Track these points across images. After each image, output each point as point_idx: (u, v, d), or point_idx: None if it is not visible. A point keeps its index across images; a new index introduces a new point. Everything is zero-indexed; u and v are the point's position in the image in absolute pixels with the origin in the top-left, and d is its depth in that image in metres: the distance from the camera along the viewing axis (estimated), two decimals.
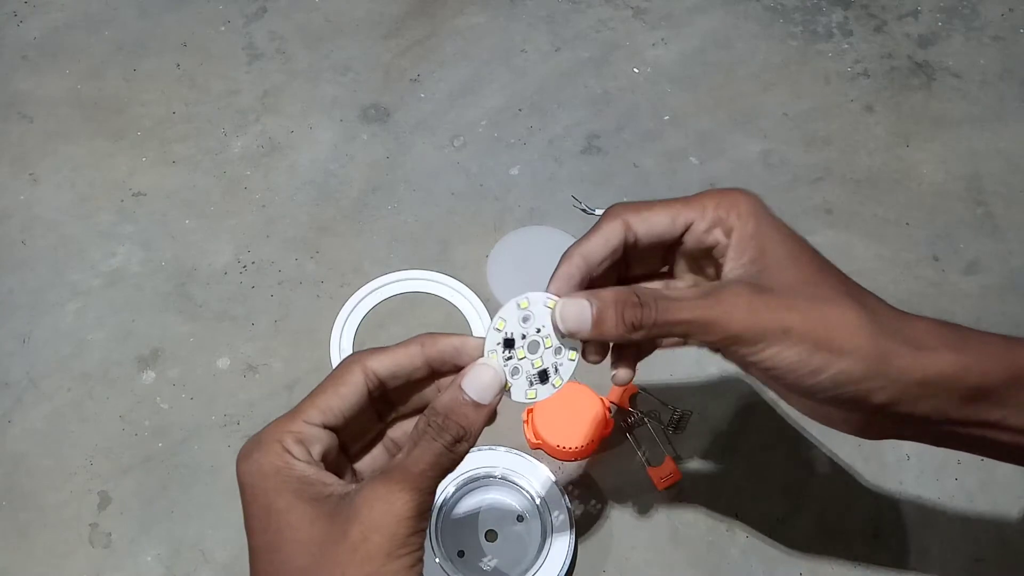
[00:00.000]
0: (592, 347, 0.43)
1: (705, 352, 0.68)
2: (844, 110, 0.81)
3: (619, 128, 0.80)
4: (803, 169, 0.78)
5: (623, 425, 0.66)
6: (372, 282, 0.71)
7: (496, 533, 0.62)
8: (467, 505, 0.63)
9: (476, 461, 0.62)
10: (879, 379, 0.38)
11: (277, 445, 0.39)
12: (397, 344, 0.42)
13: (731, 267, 0.41)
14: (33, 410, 0.67)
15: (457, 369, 0.41)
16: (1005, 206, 0.76)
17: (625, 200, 0.74)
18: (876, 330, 0.38)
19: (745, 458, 0.66)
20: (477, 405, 0.39)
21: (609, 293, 0.40)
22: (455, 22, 0.85)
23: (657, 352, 0.65)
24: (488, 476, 0.62)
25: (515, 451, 0.63)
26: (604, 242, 0.42)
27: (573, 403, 0.65)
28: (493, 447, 0.63)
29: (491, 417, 0.41)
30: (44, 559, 0.62)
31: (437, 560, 0.59)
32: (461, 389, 0.39)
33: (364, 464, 0.44)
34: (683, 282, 0.45)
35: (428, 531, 0.60)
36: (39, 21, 0.85)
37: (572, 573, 0.62)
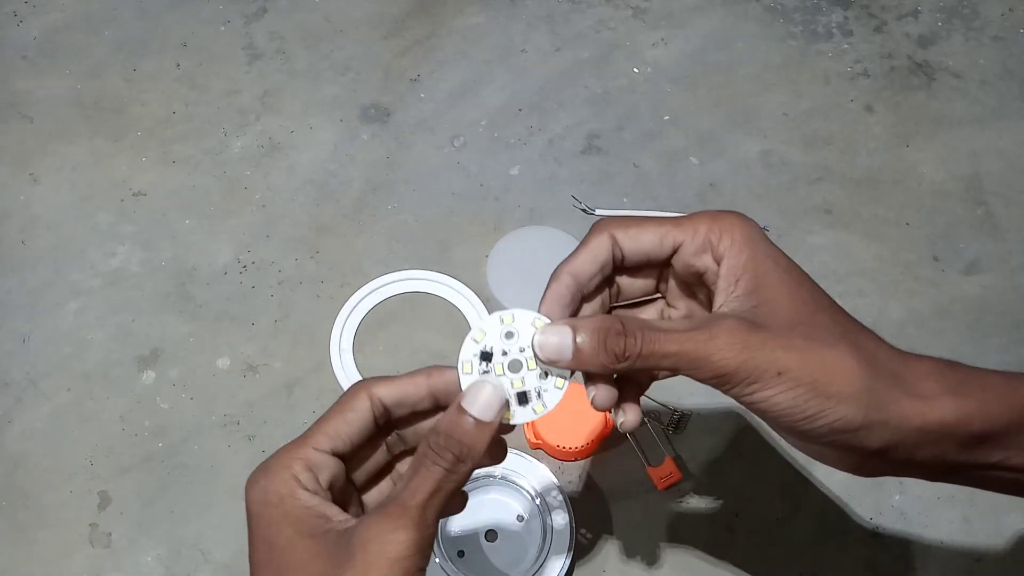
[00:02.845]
0: (595, 389, 0.41)
1: None
2: (844, 110, 0.81)
3: (619, 128, 0.80)
4: (803, 169, 0.78)
5: None
6: (372, 282, 0.71)
7: (496, 533, 0.62)
8: (467, 505, 0.62)
9: None
10: (876, 426, 0.37)
11: (286, 472, 0.38)
12: (403, 374, 0.42)
13: (724, 299, 0.39)
14: (33, 410, 0.67)
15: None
16: (1005, 206, 0.76)
17: (625, 200, 0.74)
18: (874, 376, 0.37)
19: (745, 458, 0.66)
20: (479, 423, 0.38)
21: (592, 321, 0.39)
22: (455, 22, 0.85)
23: None
24: (488, 476, 0.62)
25: (515, 451, 0.63)
26: (592, 258, 0.41)
27: (573, 403, 0.64)
28: None
29: (495, 442, 0.40)
30: (44, 559, 0.62)
31: (437, 560, 0.59)
32: (461, 407, 0.39)
33: (371, 497, 0.43)
34: (676, 309, 0.44)
35: None
36: (39, 21, 0.85)
37: (572, 573, 0.62)
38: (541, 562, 0.59)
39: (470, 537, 0.61)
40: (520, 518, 0.62)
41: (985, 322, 0.71)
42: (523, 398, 0.41)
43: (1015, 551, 0.63)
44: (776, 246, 0.40)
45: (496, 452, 0.42)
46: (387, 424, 0.42)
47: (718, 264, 0.40)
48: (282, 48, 0.84)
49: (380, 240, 0.74)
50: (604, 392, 0.41)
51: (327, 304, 0.71)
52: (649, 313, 0.45)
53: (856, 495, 0.65)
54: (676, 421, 0.66)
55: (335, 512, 0.38)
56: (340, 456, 0.40)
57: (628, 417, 0.43)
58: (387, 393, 0.41)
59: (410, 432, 0.43)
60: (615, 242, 0.41)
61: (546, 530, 0.60)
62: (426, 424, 0.43)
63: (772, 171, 0.78)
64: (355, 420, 0.40)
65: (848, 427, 0.37)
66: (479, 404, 0.39)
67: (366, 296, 0.71)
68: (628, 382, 0.43)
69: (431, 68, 0.83)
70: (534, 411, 0.41)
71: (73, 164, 0.77)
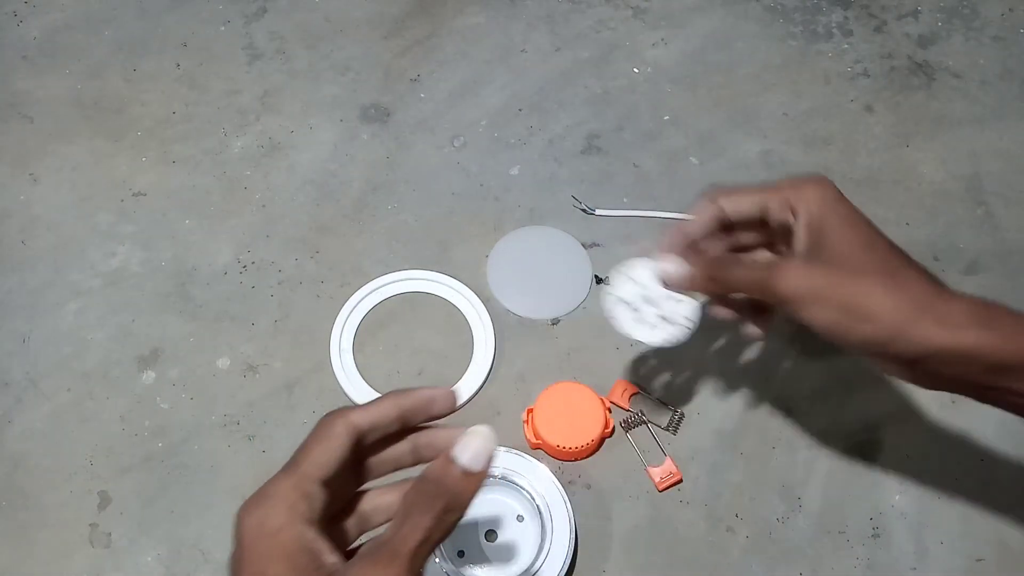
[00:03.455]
0: (717, 309, 0.54)
1: (705, 353, 0.68)
2: (844, 110, 0.81)
3: (619, 128, 0.80)
4: (803, 169, 0.78)
5: (623, 425, 0.66)
6: (372, 282, 0.71)
7: (496, 533, 0.62)
8: None
9: None
10: (901, 343, 0.45)
11: (283, 502, 0.38)
12: (370, 401, 0.43)
13: (797, 244, 0.49)
14: (33, 410, 0.67)
15: (430, 419, 0.43)
16: (1005, 206, 0.76)
17: (625, 200, 0.74)
18: (899, 302, 0.45)
19: (745, 458, 0.66)
20: (468, 473, 0.39)
21: (699, 256, 0.52)
22: (455, 22, 0.85)
23: (658, 352, 0.66)
24: (488, 476, 0.62)
25: (515, 451, 0.63)
26: (701, 220, 0.52)
27: (573, 403, 0.65)
28: None
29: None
30: (44, 559, 0.62)
31: (437, 560, 0.59)
32: (452, 457, 0.39)
33: (336, 536, 0.43)
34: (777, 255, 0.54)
35: None
36: (39, 21, 0.85)
37: (572, 573, 0.62)
38: (541, 562, 0.59)
39: (470, 537, 0.61)
40: (520, 518, 0.62)
41: None
42: (665, 320, 0.52)
43: (1015, 551, 0.63)
44: (845, 202, 0.49)
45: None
46: (355, 456, 0.42)
47: (795, 218, 0.49)
48: (282, 48, 0.84)
49: (380, 240, 0.74)
50: (722, 311, 0.54)
51: (327, 304, 0.71)
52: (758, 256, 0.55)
53: (856, 495, 0.65)
54: (676, 421, 0.66)
55: (326, 549, 0.38)
56: (327, 484, 0.40)
57: (749, 330, 0.55)
58: (361, 419, 0.42)
59: (376, 460, 0.44)
60: (718, 206, 0.51)
61: (546, 530, 0.60)
62: (391, 452, 0.44)
63: (772, 171, 0.78)
64: (335, 448, 0.40)
65: (876, 341, 0.45)
66: (469, 453, 0.39)
67: (366, 296, 0.71)
68: (752, 307, 0.54)
69: (431, 68, 0.83)
70: (686, 327, 0.53)
71: (73, 164, 0.77)
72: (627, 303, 0.53)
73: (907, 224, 0.75)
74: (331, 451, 0.40)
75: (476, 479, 0.39)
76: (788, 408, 0.67)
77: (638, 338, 0.53)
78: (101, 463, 0.65)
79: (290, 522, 0.38)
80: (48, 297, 0.71)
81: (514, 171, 0.77)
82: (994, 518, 0.64)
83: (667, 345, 0.53)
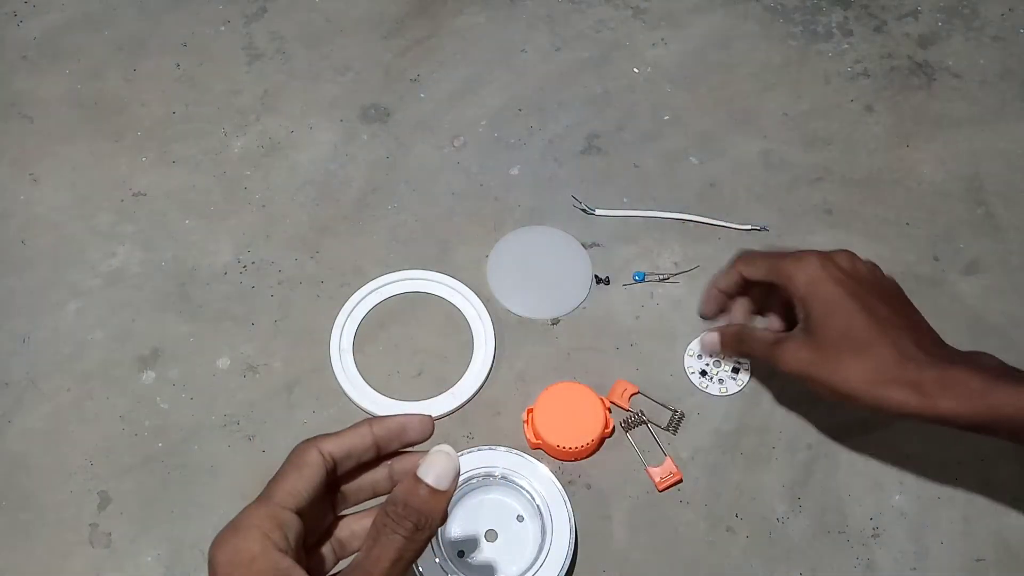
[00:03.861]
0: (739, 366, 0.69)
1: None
2: (844, 110, 0.81)
3: (619, 128, 0.80)
4: (803, 169, 0.78)
5: (623, 425, 0.66)
6: (372, 282, 0.71)
7: (496, 533, 0.62)
8: (467, 505, 0.63)
9: (476, 461, 0.62)
10: (882, 408, 0.53)
11: (256, 531, 0.38)
12: (345, 429, 0.43)
13: (798, 316, 0.57)
14: (33, 410, 0.67)
15: (405, 445, 0.44)
16: (1005, 206, 0.76)
17: (625, 200, 0.74)
18: (866, 374, 0.53)
19: (745, 458, 0.66)
20: (434, 491, 0.40)
21: (727, 329, 0.63)
22: (455, 22, 0.85)
23: (657, 353, 0.67)
24: (488, 476, 0.62)
25: (515, 451, 0.63)
26: (727, 278, 0.62)
27: (573, 403, 0.65)
28: (493, 447, 0.63)
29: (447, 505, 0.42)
30: (44, 559, 0.62)
31: (437, 560, 0.59)
32: (418, 477, 0.40)
33: (314, 564, 0.43)
34: (781, 324, 0.63)
35: None
36: (39, 21, 0.85)
37: (572, 573, 0.62)
38: (541, 562, 0.59)
39: (470, 537, 0.61)
40: (520, 518, 0.62)
41: (985, 322, 0.71)
42: (722, 380, 0.68)
43: (1015, 551, 0.63)
44: (830, 283, 0.56)
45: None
46: (330, 483, 0.42)
47: (793, 295, 0.57)
48: (282, 48, 0.84)
49: (380, 240, 0.74)
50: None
51: (327, 304, 0.71)
52: (766, 323, 0.64)
53: (856, 495, 0.65)
54: (676, 422, 0.66)
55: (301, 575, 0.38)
56: (300, 513, 0.40)
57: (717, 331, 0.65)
58: (335, 447, 0.42)
59: (353, 488, 0.44)
60: (740, 272, 0.61)
61: (546, 530, 0.60)
62: (368, 478, 0.44)
63: (772, 171, 0.78)
64: (310, 476, 0.41)
65: (855, 408, 0.54)
66: (434, 473, 0.40)
67: (366, 296, 0.71)
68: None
69: (431, 68, 0.83)
70: (737, 383, 0.68)
71: (73, 164, 0.77)
72: (700, 367, 0.69)
73: (907, 224, 0.75)
74: (304, 480, 0.41)
75: (443, 497, 0.40)
76: (788, 408, 0.67)
77: (707, 392, 0.68)
78: (101, 463, 0.65)
79: (264, 552, 0.38)
80: (48, 297, 0.71)
81: (514, 171, 0.77)
82: (994, 518, 0.64)
83: (725, 395, 0.68)
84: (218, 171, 0.77)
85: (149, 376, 0.68)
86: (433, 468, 0.40)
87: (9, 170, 0.77)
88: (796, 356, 0.56)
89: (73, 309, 0.71)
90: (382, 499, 0.43)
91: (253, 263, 0.73)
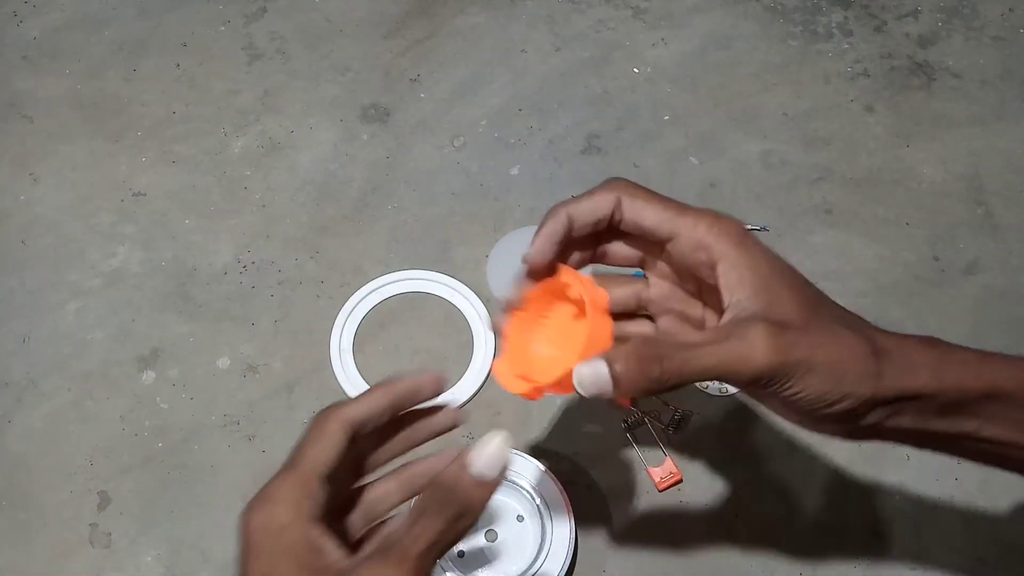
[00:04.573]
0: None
1: None
2: (844, 110, 0.81)
3: (619, 128, 0.80)
4: (803, 169, 0.78)
5: (623, 425, 0.66)
6: (372, 282, 0.71)
7: (496, 533, 0.62)
8: None
9: None
10: (880, 394, 0.39)
11: (289, 500, 0.39)
12: (360, 394, 0.43)
13: (732, 297, 0.40)
14: (33, 410, 0.67)
15: (417, 404, 0.44)
16: (1005, 206, 0.76)
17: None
18: (878, 357, 0.39)
19: (745, 458, 0.66)
20: (481, 481, 0.38)
21: (626, 349, 0.39)
22: (455, 22, 0.85)
23: None
24: (501, 483, 0.62)
25: (515, 451, 0.63)
26: (592, 209, 0.43)
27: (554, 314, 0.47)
28: None
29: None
30: (44, 559, 0.62)
31: (437, 560, 0.59)
32: (466, 463, 0.38)
33: (340, 531, 0.43)
34: (656, 288, 0.46)
35: None
36: (39, 21, 0.85)
37: (572, 573, 0.62)
38: (541, 562, 0.59)
39: (470, 537, 0.61)
40: (520, 518, 0.62)
41: (985, 322, 0.71)
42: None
43: (1015, 551, 0.63)
44: (764, 245, 0.41)
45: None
46: (351, 451, 0.42)
47: (715, 262, 0.41)
48: (282, 48, 0.84)
49: (380, 240, 0.74)
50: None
51: (327, 304, 0.71)
52: (638, 328, 0.47)
53: (856, 495, 0.65)
54: (677, 421, 0.66)
55: (332, 547, 0.38)
56: (328, 480, 0.40)
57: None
58: (355, 413, 0.42)
59: (374, 458, 0.45)
60: (618, 205, 0.43)
61: (546, 530, 0.60)
62: (389, 447, 0.45)
63: (772, 171, 0.78)
64: (333, 444, 0.41)
65: (864, 404, 0.39)
66: (483, 461, 0.38)
67: (366, 296, 0.71)
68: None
69: (431, 68, 0.83)
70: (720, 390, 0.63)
71: (73, 164, 0.77)
72: None
73: (907, 224, 0.75)
74: (328, 448, 0.41)
75: (489, 487, 0.38)
76: None
77: (707, 391, 0.66)
78: (101, 463, 0.65)
79: (296, 520, 0.38)
80: (48, 297, 0.71)
81: (514, 171, 0.77)
82: (994, 518, 0.64)
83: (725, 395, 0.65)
84: (218, 171, 0.77)
85: (149, 376, 0.68)
86: (483, 456, 0.38)
87: (9, 170, 0.77)
88: (778, 346, 0.38)
89: (73, 309, 0.71)
90: (401, 461, 0.45)
91: (253, 263, 0.73)
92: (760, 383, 0.39)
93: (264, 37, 0.84)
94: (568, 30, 0.85)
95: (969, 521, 0.64)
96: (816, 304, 0.40)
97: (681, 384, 0.39)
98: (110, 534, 0.63)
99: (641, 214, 0.43)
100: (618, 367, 0.39)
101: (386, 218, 0.75)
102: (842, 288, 0.72)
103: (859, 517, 0.64)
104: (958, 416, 0.41)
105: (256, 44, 0.84)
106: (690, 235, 0.41)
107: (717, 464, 0.66)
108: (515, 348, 0.46)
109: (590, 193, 0.44)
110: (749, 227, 0.74)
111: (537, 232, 0.43)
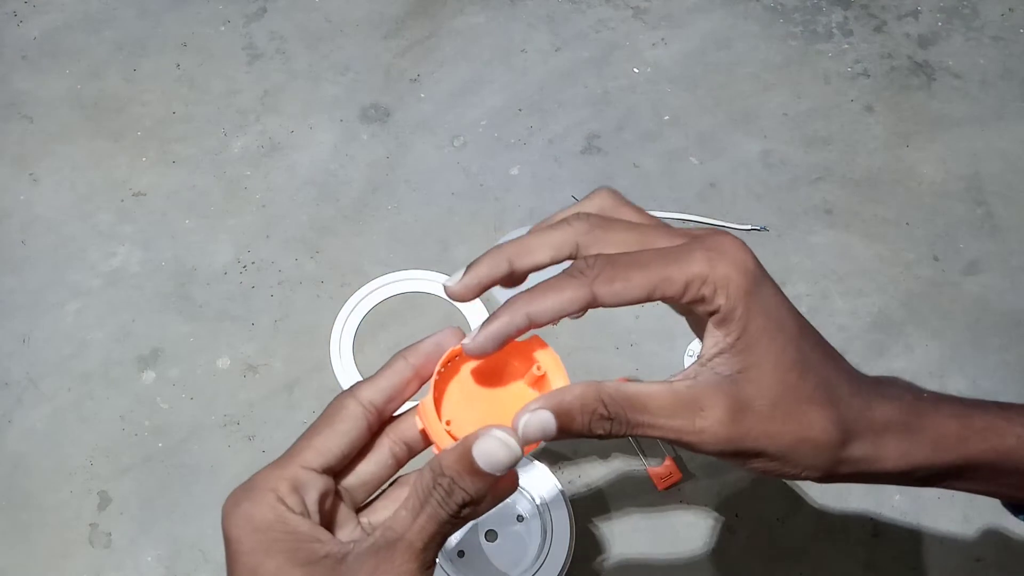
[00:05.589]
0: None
1: None
2: (844, 110, 0.81)
3: (619, 128, 0.80)
4: (803, 169, 0.78)
5: None
6: (372, 282, 0.71)
7: (496, 533, 0.62)
8: None
9: None
10: (839, 471, 0.39)
11: (271, 495, 0.36)
12: (379, 370, 0.40)
13: (712, 351, 0.37)
14: (33, 410, 0.67)
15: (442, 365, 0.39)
16: (1005, 206, 0.76)
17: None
18: (841, 438, 0.38)
19: None
20: (486, 474, 0.36)
21: (574, 403, 0.36)
22: (455, 22, 0.85)
23: (658, 353, 0.66)
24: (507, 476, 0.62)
25: None
26: (558, 310, 0.38)
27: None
28: None
29: (511, 487, 0.38)
30: (44, 559, 0.62)
31: (437, 560, 0.59)
32: (472, 455, 0.35)
33: (378, 516, 0.40)
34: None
35: None
36: (39, 21, 0.85)
37: (572, 573, 0.62)
38: (541, 562, 0.59)
39: (470, 537, 0.61)
40: (520, 518, 0.62)
41: (985, 322, 0.71)
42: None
43: (1015, 551, 0.63)
44: (773, 289, 0.38)
45: (506, 489, 0.39)
46: (380, 427, 0.40)
47: (710, 312, 0.37)
48: (282, 48, 0.84)
49: (380, 240, 0.74)
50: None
51: (327, 304, 0.71)
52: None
53: (856, 495, 0.65)
54: None
55: (327, 536, 0.36)
56: (330, 471, 0.38)
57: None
58: (375, 393, 0.39)
59: (404, 435, 0.41)
60: (594, 299, 0.37)
61: (546, 530, 0.60)
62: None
63: (772, 171, 0.78)
64: (347, 431, 0.38)
65: (815, 478, 0.38)
66: (486, 456, 0.36)
67: (366, 296, 0.71)
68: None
69: (431, 68, 0.83)
70: None
71: (73, 164, 0.77)
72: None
73: (907, 224, 0.75)
74: (338, 435, 0.38)
75: (491, 480, 0.36)
76: None
77: None
78: (101, 463, 0.65)
79: (281, 517, 0.36)
80: (48, 297, 0.71)
81: (514, 171, 0.77)
82: (994, 518, 0.64)
83: None
84: (218, 171, 0.77)
85: (149, 376, 0.68)
86: (485, 450, 0.36)
87: (9, 170, 0.77)
88: (731, 429, 0.37)
89: (73, 309, 0.71)
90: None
91: (253, 263, 0.73)
92: (707, 454, 0.38)
93: (264, 37, 0.84)
94: (568, 30, 0.85)
95: (969, 521, 0.64)
96: (799, 372, 0.37)
97: (622, 434, 0.37)
98: (110, 534, 0.63)
99: (624, 296, 0.37)
100: (560, 420, 0.36)
101: (386, 218, 0.75)
102: (842, 288, 0.72)
103: (859, 517, 0.64)
104: (928, 482, 0.41)
105: (256, 44, 0.84)
106: (683, 295, 0.37)
107: (717, 464, 0.66)
108: (445, 394, 0.41)
109: (554, 286, 0.38)
110: (749, 227, 0.74)
111: (484, 324, 0.38)
